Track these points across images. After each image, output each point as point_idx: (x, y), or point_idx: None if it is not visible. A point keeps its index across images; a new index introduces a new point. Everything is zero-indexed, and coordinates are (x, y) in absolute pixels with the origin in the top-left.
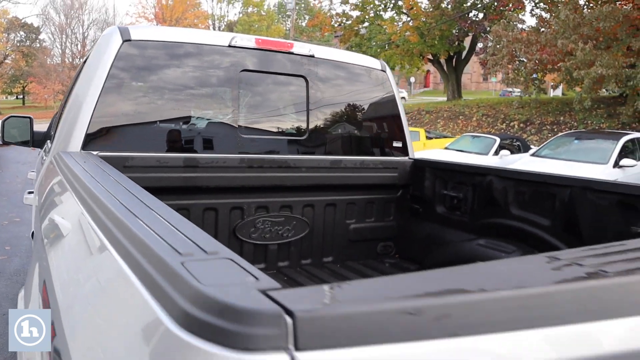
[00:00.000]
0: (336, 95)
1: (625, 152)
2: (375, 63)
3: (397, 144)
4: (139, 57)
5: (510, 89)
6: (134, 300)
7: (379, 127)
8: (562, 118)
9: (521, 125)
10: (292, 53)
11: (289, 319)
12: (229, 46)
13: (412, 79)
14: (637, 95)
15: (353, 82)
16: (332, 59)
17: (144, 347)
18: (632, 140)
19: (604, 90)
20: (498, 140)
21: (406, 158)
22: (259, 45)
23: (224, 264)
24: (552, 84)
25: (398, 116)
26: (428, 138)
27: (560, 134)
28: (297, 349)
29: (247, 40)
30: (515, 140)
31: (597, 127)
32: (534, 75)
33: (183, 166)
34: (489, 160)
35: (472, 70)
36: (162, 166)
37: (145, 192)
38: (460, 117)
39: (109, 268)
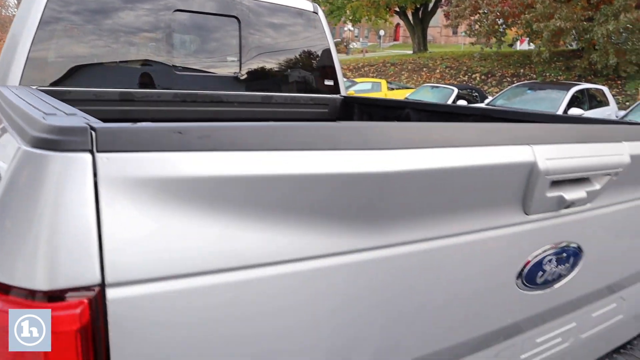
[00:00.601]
0: (268, 35)
1: (575, 102)
2: (307, 5)
3: (329, 82)
4: None
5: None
6: (15, 145)
7: (311, 66)
8: (522, 70)
9: (482, 77)
10: None
11: (93, 132)
12: None
13: (382, 32)
14: (592, 49)
15: (286, 23)
16: (265, 0)
17: (13, 166)
18: (581, 91)
19: (566, 44)
20: (456, 90)
21: (337, 95)
22: None
23: (75, 117)
24: (515, 37)
25: (330, 56)
26: (390, 89)
27: (514, 84)
28: (98, 151)
29: None
30: (473, 90)
31: (554, 79)
32: (502, 29)
33: (119, 100)
34: None
35: (441, 23)
36: (99, 100)
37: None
38: (424, 69)
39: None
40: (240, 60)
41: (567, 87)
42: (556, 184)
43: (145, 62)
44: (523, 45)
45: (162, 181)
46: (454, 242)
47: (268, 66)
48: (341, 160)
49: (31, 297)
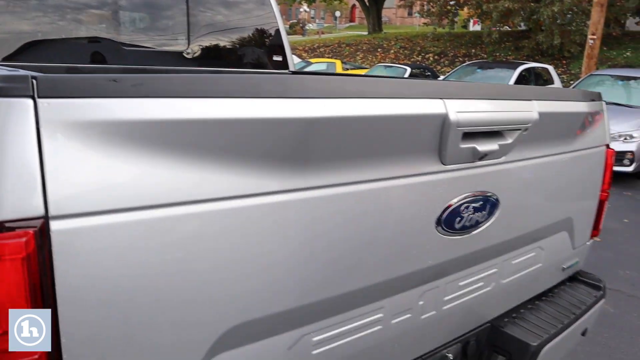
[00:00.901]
0: (216, 11)
1: (523, 81)
2: None
3: (277, 58)
4: None
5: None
6: None
7: (259, 41)
8: (473, 50)
9: (436, 57)
10: None
11: (34, 80)
12: None
13: (338, 13)
14: (539, 30)
15: None
16: None
17: None
18: (528, 70)
19: (515, 25)
20: (409, 69)
21: (285, 71)
22: None
23: (17, 71)
24: (466, 18)
25: (278, 31)
26: (345, 69)
27: (465, 63)
28: (39, 96)
29: None
30: (425, 70)
31: (504, 59)
32: (455, 9)
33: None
34: None
35: (396, 4)
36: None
37: None
38: (379, 49)
39: None
40: (188, 37)
41: (515, 66)
42: (469, 135)
43: (93, 38)
44: (476, 27)
45: (98, 124)
46: (376, 186)
47: (216, 42)
48: (262, 106)
49: None
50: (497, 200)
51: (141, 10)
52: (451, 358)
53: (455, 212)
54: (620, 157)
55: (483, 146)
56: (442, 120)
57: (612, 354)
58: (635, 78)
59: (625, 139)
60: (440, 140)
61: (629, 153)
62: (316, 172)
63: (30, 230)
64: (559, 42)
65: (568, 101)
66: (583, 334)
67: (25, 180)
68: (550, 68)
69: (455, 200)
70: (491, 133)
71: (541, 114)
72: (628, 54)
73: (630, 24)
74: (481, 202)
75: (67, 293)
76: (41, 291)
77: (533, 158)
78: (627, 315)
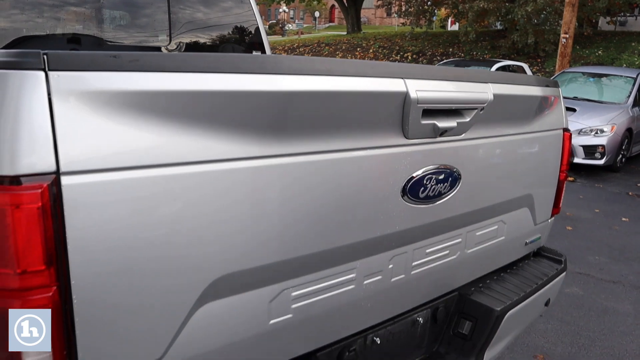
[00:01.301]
0: (197, 8)
1: None
2: None
3: (257, 54)
4: None
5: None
6: None
7: (239, 37)
8: (451, 49)
9: (414, 56)
10: None
11: (45, 56)
12: None
13: (317, 14)
14: (514, 29)
15: None
16: None
17: None
18: (503, 68)
19: (490, 24)
20: None
21: None
22: None
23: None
24: (442, 18)
25: (257, 29)
26: None
27: (442, 61)
28: (50, 69)
29: None
30: None
31: (481, 58)
32: (433, 9)
33: None
34: None
35: (375, 4)
36: None
37: None
38: (358, 49)
39: None
40: (170, 34)
41: (491, 64)
42: (429, 112)
43: (76, 36)
44: (454, 27)
45: (101, 93)
46: (346, 156)
47: (196, 39)
48: (242, 81)
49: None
50: (458, 174)
51: (123, 8)
52: (422, 322)
53: (420, 183)
54: (591, 150)
55: (442, 123)
56: (403, 98)
57: (580, 332)
58: (606, 75)
59: (597, 133)
60: (403, 116)
61: (600, 147)
62: (292, 141)
63: (44, 184)
64: (533, 41)
65: (522, 85)
66: (546, 304)
67: (39, 141)
68: (525, 66)
69: (419, 172)
70: (450, 111)
71: (496, 96)
72: (600, 52)
73: (603, 23)
74: (443, 175)
75: (77, 240)
76: (54, 237)
77: (492, 137)
78: (595, 297)
